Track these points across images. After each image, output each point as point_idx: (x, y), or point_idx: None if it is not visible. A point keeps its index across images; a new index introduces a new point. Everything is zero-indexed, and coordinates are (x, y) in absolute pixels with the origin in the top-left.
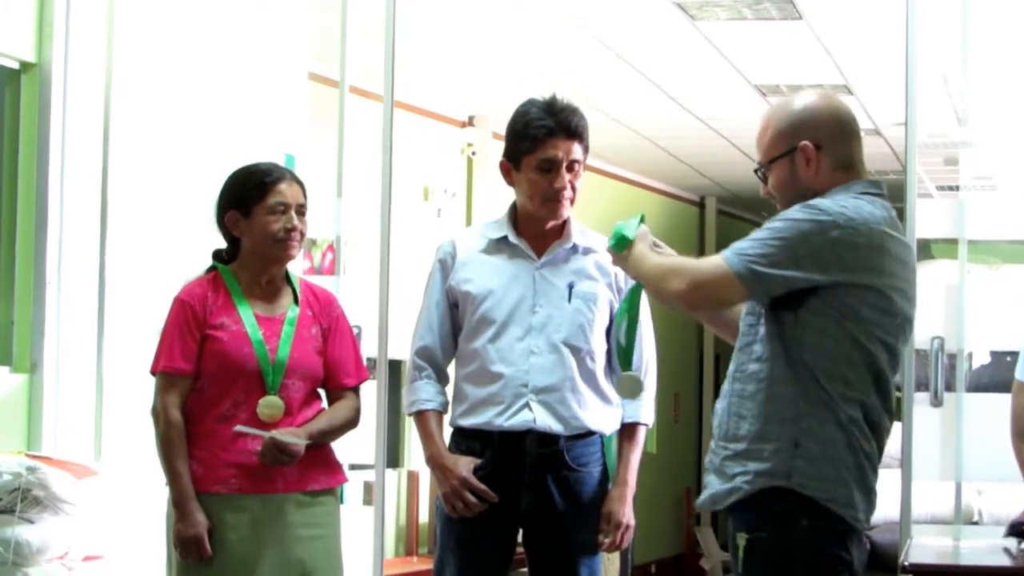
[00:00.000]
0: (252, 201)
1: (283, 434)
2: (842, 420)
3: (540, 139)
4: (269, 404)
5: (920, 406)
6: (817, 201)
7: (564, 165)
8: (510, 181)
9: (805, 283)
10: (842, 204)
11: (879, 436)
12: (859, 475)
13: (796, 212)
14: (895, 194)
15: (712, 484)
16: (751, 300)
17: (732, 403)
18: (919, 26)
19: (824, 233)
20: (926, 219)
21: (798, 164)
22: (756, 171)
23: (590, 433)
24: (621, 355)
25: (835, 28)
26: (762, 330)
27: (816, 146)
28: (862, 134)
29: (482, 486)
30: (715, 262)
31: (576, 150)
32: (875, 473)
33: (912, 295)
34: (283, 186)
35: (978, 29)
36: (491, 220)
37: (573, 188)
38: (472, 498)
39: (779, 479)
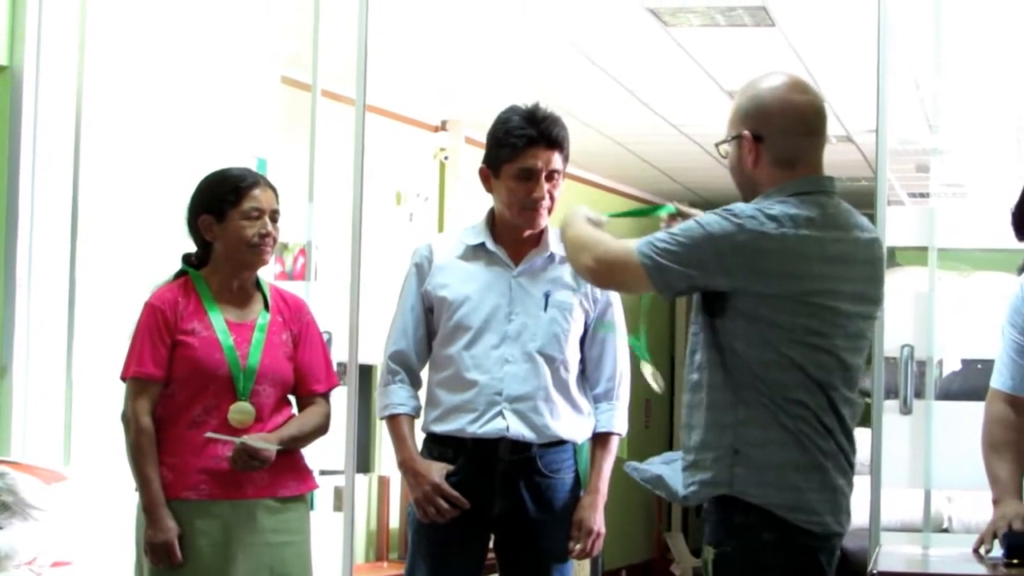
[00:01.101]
0: (227, 206)
1: (254, 440)
2: (786, 423)
3: (520, 148)
4: (240, 410)
5: (890, 414)
6: (735, 205)
7: (543, 175)
8: (489, 188)
9: (710, 285)
10: (760, 208)
11: (840, 435)
12: (818, 476)
13: (711, 214)
14: (866, 201)
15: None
16: (654, 291)
17: (683, 414)
18: (891, 33)
19: (730, 237)
20: (896, 226)
21: (742, 152)
22: (717, 145)
23: (562, 441)
24: (640, 351)
25: (807, 35)
26: (702, 338)
27: (757, 138)
28: (828, 135)
29: (454, 492)
30: (627, 247)
31: (556, 160)
32: (843, 471)
33: (862, 291)
34: (257, 191)
35: (950, 36)
36: (468, 226)
37: (551, 197)
38: (444, 504)
39: (722, 487)
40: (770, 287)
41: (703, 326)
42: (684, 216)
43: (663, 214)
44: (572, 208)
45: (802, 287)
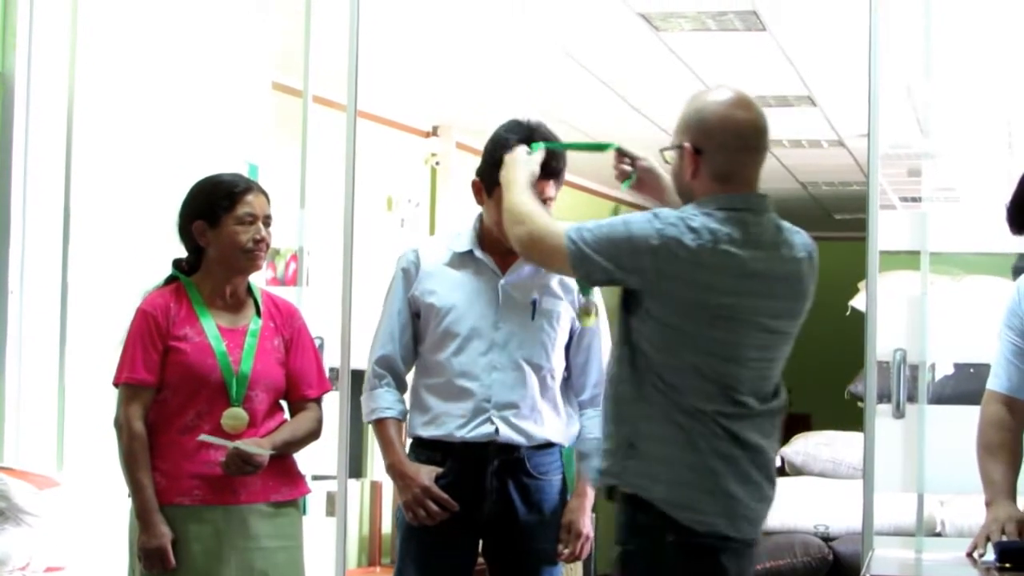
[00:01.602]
0: (221, 211)
1: (247, 444)
2: (682, 423)
3: None
4: (233, 416)
5: (882, 418)
6: (662, 210)
7: None
8: (480, 201)
9: (625, 281)
10: (684, 218)
11: (744, 443)
12: (711, 479)
13: (638, 214)
14: (858, 205)
15: None
16: (574, 276)
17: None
18: (882, 38)
19: (647, 240)
20: (888, 231)
21: (682, 162)
22: (661, 151)
23: (550, 444)
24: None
25: (799, 40)
26: (618, 332)
27: (697, 151)
28: (765, 147)
29: (444, 495)
30: (557, 229)
31: (550, 188)
32: (743, 478)
33: (780, 308)
34: (251, 197)
35: (941, 41)
36: (455, 232)
37: None
38: (434, 507)
39: (613, 478)
40: (679, 294)
41: (620, 321)
42: (628, 156)
43: (610, 151)
44: (511, 160)
45: (711, 299)
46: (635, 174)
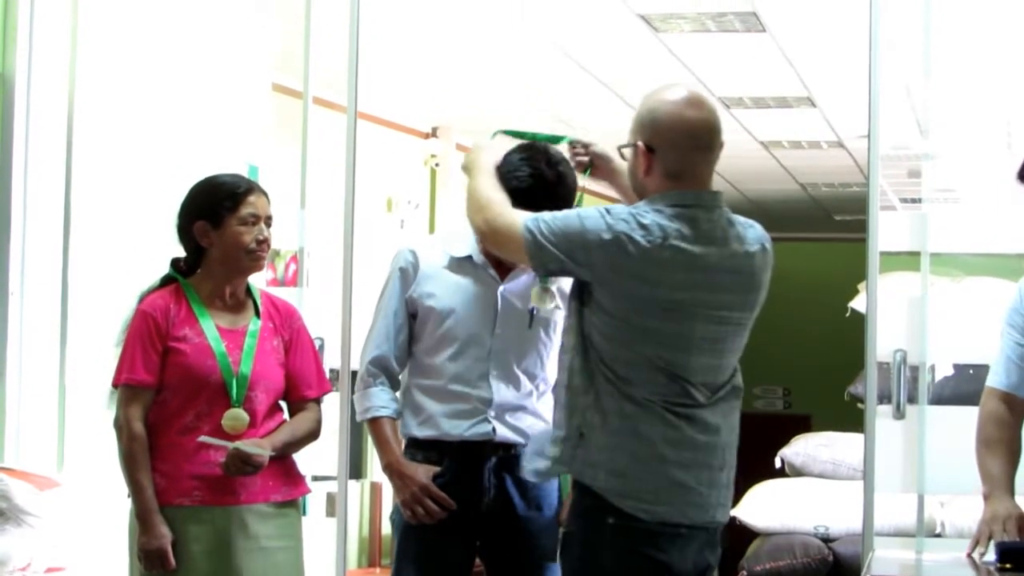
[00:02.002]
0: (224, 212)
1: (247, 445)
2: (629, 412)
3: (514, 199)
4: (234, 417)
5: (882, 419)
6: (613, 206)
7: None
8: None
9: (576, 273)
10: (635, 214)
11: (700, 428)
12: (658, 468)
13: (592, 208)
14: (858, 206)
15: None
16: (529, 264)
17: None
18: (882, 39)
19: (598, 234)
20: (889, 232)
21: (637, 160)
22: (619, 148)
23: None
24: None
25: (798, 41)
26: (571, 322)
27: (650, 149)
28: (717, 146)
29: (441, 493)
30: (516, 219)
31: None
32: (691, 466)
33: (730, 301)
34: (253, 198)
35: (941, 41)
36: (451, 235)
37: None
38: (433, 505)
39: (563, 466)
40: (627, 288)
41: (572, 311)
42: (581, 145)
43: (563, 144)
44: (476, 146)
45: (661, 294)
46: (591, 162)
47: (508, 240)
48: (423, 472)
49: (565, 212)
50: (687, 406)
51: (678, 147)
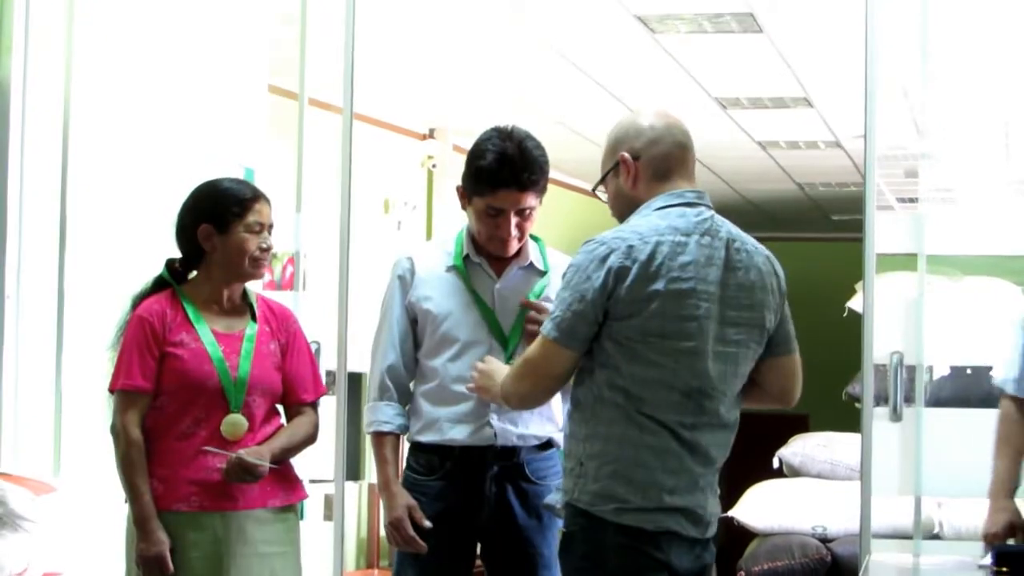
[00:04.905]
0: (231, 217)
1: (249, 454)
2: (632, 439)
3: (489, 187)
4: (233, 422)
5: (879, 420)
6: (600, 236)
7: (512, 212)
8: (464, 206)
9: (601, 309)
10: (628, 229)
11: (694, 464)
12: (657, 494)
13: (578, 254)
14: (855, 206)
15: None
16: (578, 354)
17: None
18: (879, 39)
19: (602, 262)
20: (886, 232)
21: (621, 176)
22: (593, 189)
23: (548, 446)
24: None
25: (795, 41)
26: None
27: (634, 157)
28: (691, 144)
29: (411, 533)
30: (526, 354)
31: (527, 199)
32: (691, 492)
33: (719, 293)
34: (260, 206)
35: (937, 41)
36: (449, 237)
37: (522, 229)
38: (409, 534)
39: (569, 495)
40: (639, 306)
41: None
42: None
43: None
44: (487, 372)
45: (666, 294)
46: None
47: (546, 364)
48: (402, 504)
49: (559, 297)
50: (694, 428)
51: (660, 143)
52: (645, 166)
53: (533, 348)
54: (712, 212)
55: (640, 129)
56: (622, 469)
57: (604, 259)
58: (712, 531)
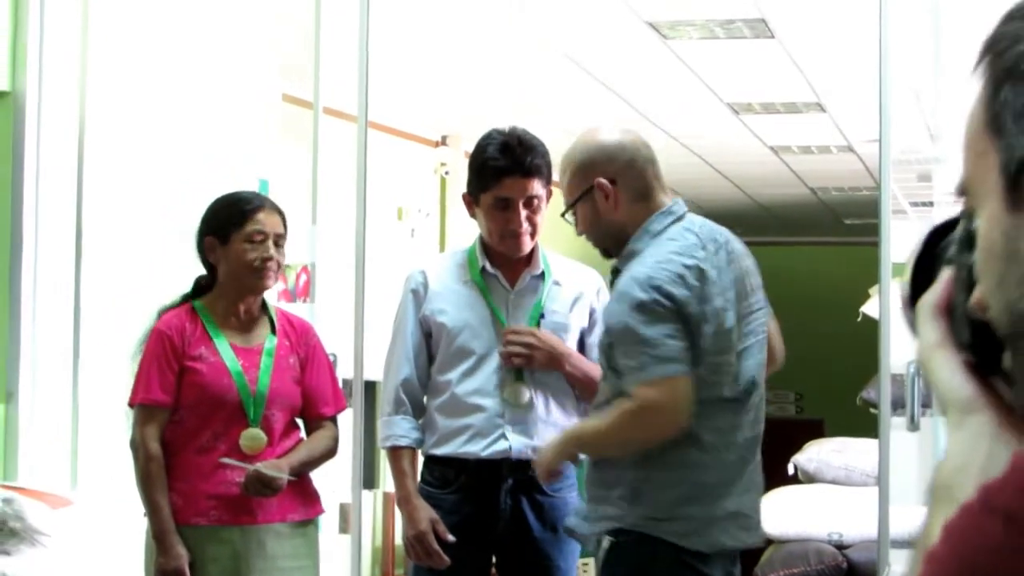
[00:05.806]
0: (231, 228)
1: (267, 467)
2: (686, 460)
3: (495, 178)
4: (252, 436)
5: (897, 430)
6: (624, 287)
7: (520, 203)
8: (472, 214)
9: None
10: (648, 271)
11: (748, 469)
12: (714, 507)
13: (625, 312)
14: (868, 210)
15: None
16: (691, 377)
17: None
18: (891, 43)
19: (656, 307)
20: (901, 238)
21: (598, 201)
22: (563, 215)
23: None
24: None
25: (807, 46)
26: (608, 385)
27: (611, 181)
28: (655, 157)
29: (435, 547)
30: (621, 404)
31: (533, 187)
32: (742, 495)
33: (735, 292)
34: (262, 215)
35: (950, 45)
36: (460, 250)
37: (532, 223)
38: (433, 548)
39: (617, 522)
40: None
41: (607, 373)
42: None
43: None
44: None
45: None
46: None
47: (676, 402)
48: (426, 518)
49: (626, 342)
50: (739, 428)
51: (635, 166)
52: (624, 189)
53: (615, 410)
54: (689, 212)
55: (609, 152)
56: (687, 491)
57: (652, 304)
58: (758, 537)
